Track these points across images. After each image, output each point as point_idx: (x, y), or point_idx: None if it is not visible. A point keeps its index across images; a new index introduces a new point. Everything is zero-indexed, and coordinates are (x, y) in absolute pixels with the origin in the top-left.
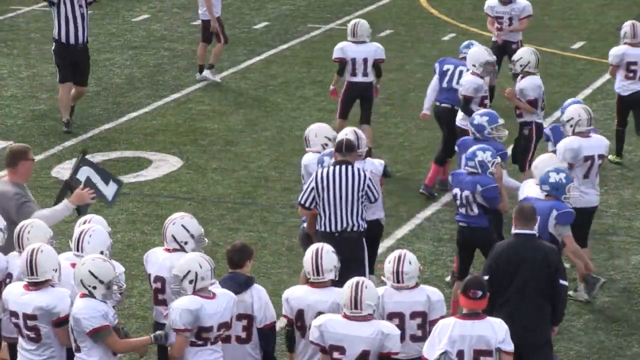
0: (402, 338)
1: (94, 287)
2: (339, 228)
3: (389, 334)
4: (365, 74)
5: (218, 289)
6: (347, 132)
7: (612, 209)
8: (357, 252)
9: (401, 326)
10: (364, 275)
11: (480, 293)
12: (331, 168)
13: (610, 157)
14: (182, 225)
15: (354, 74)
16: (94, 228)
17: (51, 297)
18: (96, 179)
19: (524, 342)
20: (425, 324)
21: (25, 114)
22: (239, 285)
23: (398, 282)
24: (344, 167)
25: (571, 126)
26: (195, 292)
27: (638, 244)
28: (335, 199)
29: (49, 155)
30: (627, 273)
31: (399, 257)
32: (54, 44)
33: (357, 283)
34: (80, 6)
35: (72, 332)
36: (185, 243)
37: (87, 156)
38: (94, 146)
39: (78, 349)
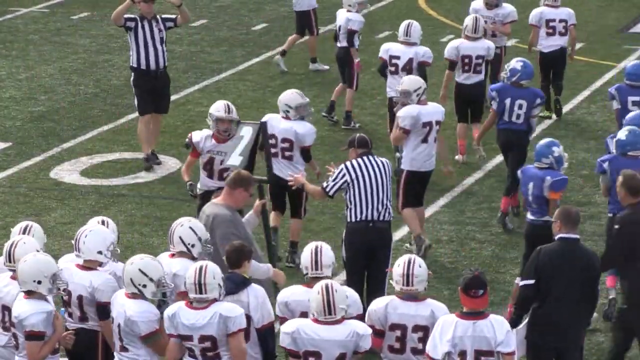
0: (403, 350)
1: (144, 286)
2: (370, 217)
3: (363, 335)
4: (340, 40)
5: (221, 302)
6: (290, 96)
7: None
8: (386, 242)
9: (402, 338)
10: (389, 265)
11: (481, 292)
12: (358, 160)
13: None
14: (190, 228)
15: (337, 39)
16: (91, 228)
17: (26, 308)
18: (242, 144)
19: (562, 346)
20: (427, 338)
21: (24, 115)
22: (235, 285)
23: (407, 285)
24: (370, 157)
25: (417, 95)
26: (186, 299)
27: None
28: (366, 188)
29: (47, 156)
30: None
31: (409, 261)
32: (132, 74)
33: (327, 287)
34: (160, 30)
35: (119, 332)
36: (192, 246)
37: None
38: (93, 148)
39: (124, 349)
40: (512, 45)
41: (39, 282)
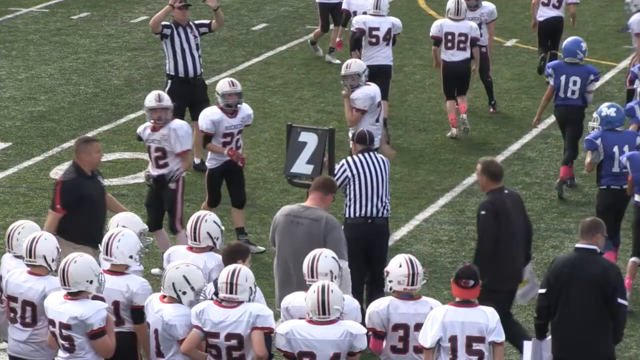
0: (406, 349)
1: (184, 293)
2: (370, 214)
3: (357, 334)
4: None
5: (251, 303)
6: (220, 82)
7: None
8: (385, 238)
9: (405, 337)
10: (386, 260)
11: (472, 282)
12: (359, 156)
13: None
14: (214, 222)
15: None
16: (123, 232)
17: (85, 308)
18: (307, 151)
19: (580, 359)
20: None
21: (24, 115)
22: None
23: (413, 284)
24: (369, 154)
25: (365, 76)
26: (218, 300)
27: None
28: (366, 185)
29: (47, 157)
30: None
31: (412, 260)
32: (168, 82)
33: (323, 287)
34: (195, 36)
35: (156, 337)
36: (217, 239)
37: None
38: None
39: (160, 355)
40: (512, 46)
41: (91, 282)
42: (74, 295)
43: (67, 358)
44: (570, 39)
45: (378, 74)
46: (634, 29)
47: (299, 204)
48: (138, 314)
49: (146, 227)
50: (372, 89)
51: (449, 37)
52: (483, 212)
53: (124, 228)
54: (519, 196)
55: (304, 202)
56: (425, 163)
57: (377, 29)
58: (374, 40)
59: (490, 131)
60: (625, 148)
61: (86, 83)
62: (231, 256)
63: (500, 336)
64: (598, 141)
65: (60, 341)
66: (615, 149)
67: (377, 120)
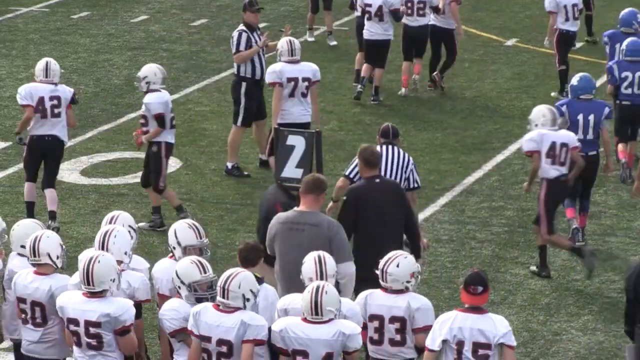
0: (381, 341)
1: (179, 287)
2: None
3: (350, 334)
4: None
5: (248, 311)
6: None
7: (610, 210)
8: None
9: (380, 329)
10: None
11: (480, 289)
12: (378, 147)
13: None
14: (174, 230)
15: (353, 7)
16: (118, 228)
17: (116, 306)
18: (295, 155)
19: None
20: (405, 329)
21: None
22: None
23: (383, 281)
24: (389, 147)
25: (279, 55)
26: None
27: (637, 245)
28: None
29: None
30: (626, 274)
31: (389, 257)
32: (243, 84)
33: (318, 288)
34: (261, 39)
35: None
36: (174, 248)
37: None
38: (93, 147)
39: (171, 346)
40: (512, 45)
41: (113, 280)
42: (96, 294)
43: (94, 356)
44: (626, 10)
45: (374, 46)
46: (546, 7)
47: (293, 210)
48: (138, 309)
49: (136, 225)
50: (280, 65)
51: (409, 5)
52: (344, 198)
53: (115, 225)
54: (394, 185)
55: (298, 206)
56: (425, 163)
57: (370, 5)
58: (367, 16)
59: (490, 131)
60: (591, 117)
61: (86, 82)
62: (252, 254)
63: (510, 340)
64: (564, 108)
65: (86, 339)
66: (580, 116)
67: (292, 95)
